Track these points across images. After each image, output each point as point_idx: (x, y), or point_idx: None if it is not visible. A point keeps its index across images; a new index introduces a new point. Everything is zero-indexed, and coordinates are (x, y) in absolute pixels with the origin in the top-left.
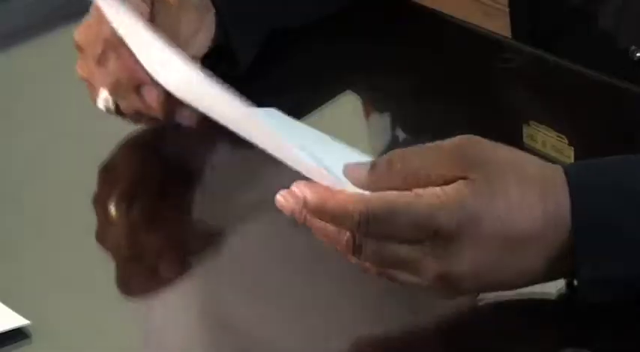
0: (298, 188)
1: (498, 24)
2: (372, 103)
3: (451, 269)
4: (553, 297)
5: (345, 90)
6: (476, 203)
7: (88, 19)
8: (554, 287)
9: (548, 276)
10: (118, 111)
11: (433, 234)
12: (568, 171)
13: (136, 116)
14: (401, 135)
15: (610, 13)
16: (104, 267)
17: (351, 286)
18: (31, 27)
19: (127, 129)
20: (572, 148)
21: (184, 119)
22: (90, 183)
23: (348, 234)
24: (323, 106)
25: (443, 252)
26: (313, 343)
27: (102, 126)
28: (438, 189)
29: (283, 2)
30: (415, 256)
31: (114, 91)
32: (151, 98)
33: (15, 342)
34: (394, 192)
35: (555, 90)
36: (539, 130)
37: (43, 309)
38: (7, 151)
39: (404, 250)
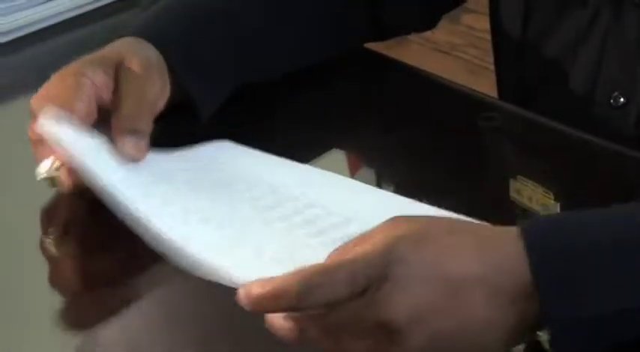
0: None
1: (483, 81)
2: (358, 160)
3: (390, 317)
4: None
5: (330, 148)
6: (403, 248)
7: (47, 86)
8: None
9: (515, 330)
10: (57, 181)
11: (368, 284)
12: (525, 226)
13: (74, 188)
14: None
15: (589, 62)
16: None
17: None
18: None
19: None
20: (559, 204)
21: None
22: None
23: (291, 322)
24: (308, 163)
25: (380, 298)
26: None
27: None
28: (366, 244)
29: (247, 59)
30: (355, 314)
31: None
32: None
33: None
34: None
35: (540, 147)
36: (526, 185)
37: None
38: None
39: (344, 312)
